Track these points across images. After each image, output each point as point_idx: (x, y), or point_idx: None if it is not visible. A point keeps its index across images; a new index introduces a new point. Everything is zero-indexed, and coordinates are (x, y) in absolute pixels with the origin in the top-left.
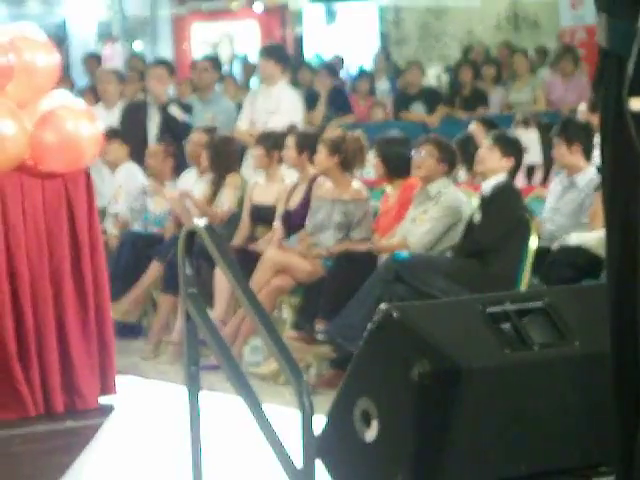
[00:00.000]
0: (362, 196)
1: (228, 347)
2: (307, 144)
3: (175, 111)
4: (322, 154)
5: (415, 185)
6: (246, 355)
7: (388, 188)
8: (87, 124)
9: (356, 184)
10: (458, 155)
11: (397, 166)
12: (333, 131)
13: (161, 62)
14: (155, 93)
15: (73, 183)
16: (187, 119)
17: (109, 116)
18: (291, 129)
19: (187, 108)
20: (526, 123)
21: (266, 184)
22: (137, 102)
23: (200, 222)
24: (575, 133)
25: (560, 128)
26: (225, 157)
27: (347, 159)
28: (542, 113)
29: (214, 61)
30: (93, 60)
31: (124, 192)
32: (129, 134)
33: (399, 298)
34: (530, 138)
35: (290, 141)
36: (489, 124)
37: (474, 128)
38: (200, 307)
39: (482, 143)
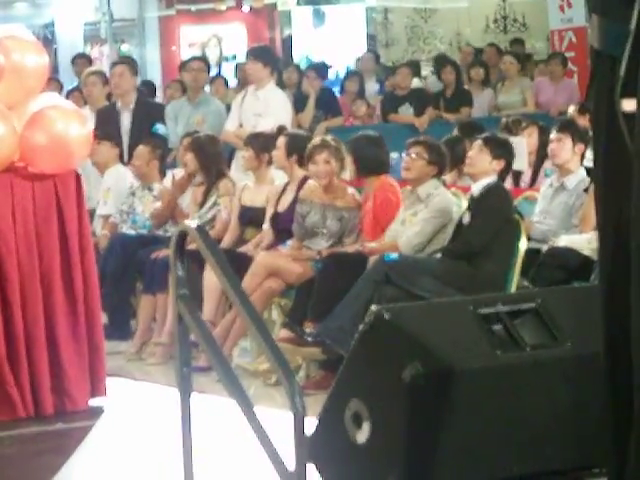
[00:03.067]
0: (356, 203)
1: (220, 349)
2: (297, 146)
3: (162, 129)
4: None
5: (389, 184)
6: (235, 357)
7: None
8: (76, 125)
9: (350, 190)
10: (448, 156)
11: (369, 165)
12: (320, 133)
13: (123, 61)
14: (118, 92)
15: (63, 184)
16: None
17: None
18: (280, 130)
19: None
20: (509, 130)
21: (255, 186)
22: (108, 106)
23: (191, 223)
24: (580, 135)
25: (566, 126)
26: (213, 158)
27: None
28: (531, 115)
29: (205, 62)
30: (82, 61)
31: (113, 194)
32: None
33: (388, 300)
34: (516, 143)
35: (280, 142)
36: (471, 129)
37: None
38: (192, 308)
39: (467, 146)
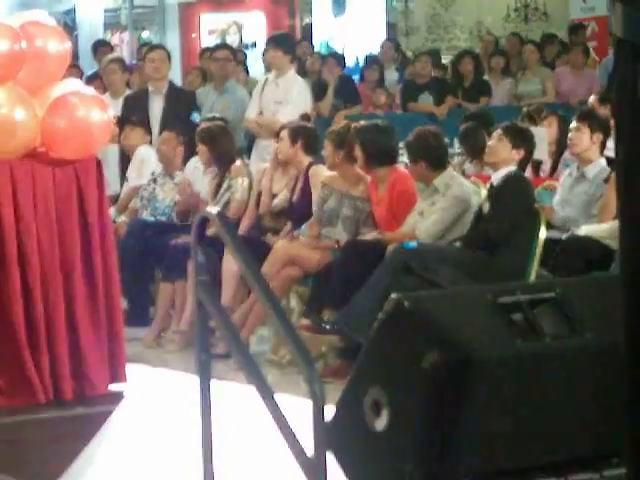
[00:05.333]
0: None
1: (240, 335)
2: (300, 134)
3: (199, 117)
4: (329, 148)
5: (403, 175)
6: (253, 344)
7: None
8: (97, 111)
9: (366, 179)
10: (434, 143)
11: (378, 154)
12: (338, 124)
13: (160, 46)
14: (157, 77)
15: (84, 170)
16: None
17: (115, 105)
18: (304, 118)
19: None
20: (532, 119)
21: (279, 173)
22: (138, 91)
23: (212, 209)
24: (599, 124)
25: (585, 116)
26: (225, 149)
27: (352, 151)
28: (552, 104)
29: (231, 50)
30: (104, 48)
31: (144, 168)
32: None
33: (407, 288)
34: (537, 133)
35: (283, 134)
36: (481, 118)
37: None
38: (212, 294)
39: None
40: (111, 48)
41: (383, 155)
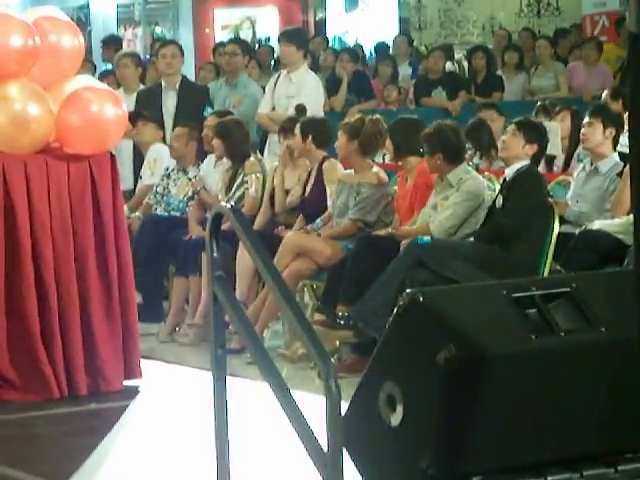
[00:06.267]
0: (378, 180)
1: (255, 330)
2: (311, 128)
3: (208, 111)
4: (342, 140)
5: (426, 168)
6: (267, 339)
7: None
8: (111, 106)
9: (375, 169)
10: (452, 138)
11: (405, 146)
12: (353, 116)
13: (172, 41)
14: (170, 72)
15: (98, 165)
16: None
17: (129, 101)
18: (299, 110)
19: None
20: (547, 112)
21: (289, 169)
22: (151, 87)
23: (227, 204)
24: (611, 119)
25: (598, 110)
26: (239, 143)
27: (366, 143)
28: (565, 99)
29: (243, 44)
30: (111, 44)
31: (158, 165)
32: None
33: (421, 283)
34: (551, 128)
35: (296, 129)
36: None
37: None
38: (227, 290)
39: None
40: (118, 45)
41: (409, 147)
